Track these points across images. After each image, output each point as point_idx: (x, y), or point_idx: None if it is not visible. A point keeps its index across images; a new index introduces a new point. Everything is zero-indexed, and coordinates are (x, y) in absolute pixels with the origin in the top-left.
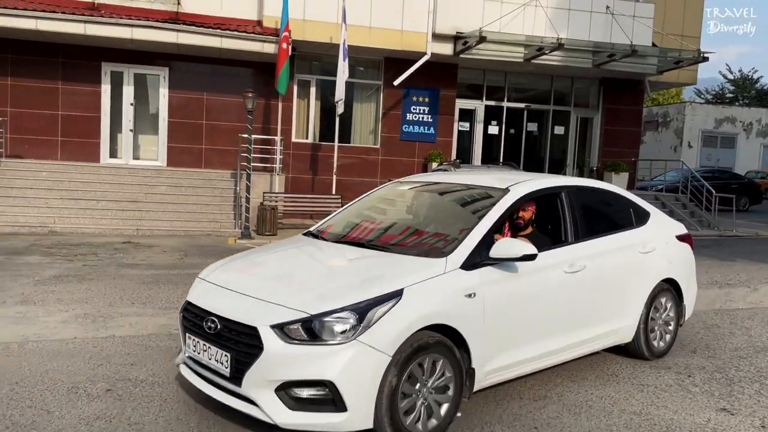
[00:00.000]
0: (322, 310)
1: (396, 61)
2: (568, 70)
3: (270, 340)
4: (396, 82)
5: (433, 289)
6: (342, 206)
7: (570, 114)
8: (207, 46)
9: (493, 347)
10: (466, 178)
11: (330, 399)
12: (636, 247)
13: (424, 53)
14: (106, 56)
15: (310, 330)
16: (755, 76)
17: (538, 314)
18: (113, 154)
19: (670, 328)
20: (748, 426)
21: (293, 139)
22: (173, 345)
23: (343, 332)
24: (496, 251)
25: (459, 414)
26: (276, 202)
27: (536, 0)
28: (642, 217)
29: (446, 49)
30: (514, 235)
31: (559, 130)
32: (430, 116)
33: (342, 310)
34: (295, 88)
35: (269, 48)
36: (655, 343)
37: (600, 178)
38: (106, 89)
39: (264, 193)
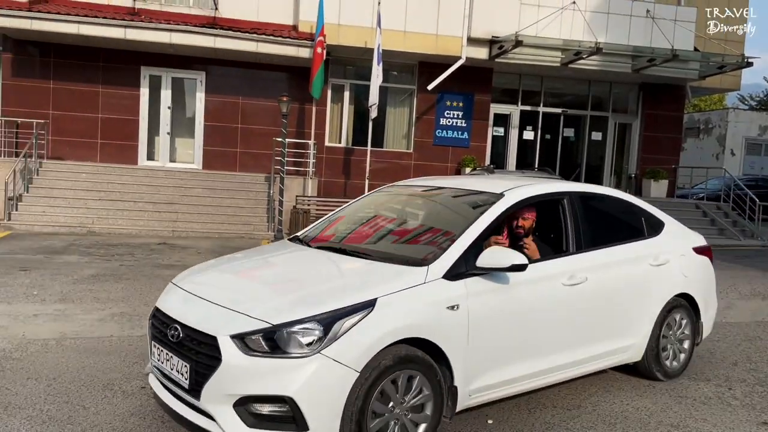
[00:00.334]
0: (285, 320)
1: (430, 66)
2: (607, 75)
3: (229, 351)
4: (430, 87)
5: (410, 300)
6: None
7: (608, 119)
8: (243, 50)
9: (480, 364)
10: (464, 183)
11: (291, 417)
12: (646, 259)
13: (459, 57)
14: (145, 60)
15: (272, 341)
16: None
17: (532, 329)
18: (150, 156)
19: (685, 346)
20: None
21: (326, 143)
22: None
23: (309, 344)
24: (483, 260)
25: None
26: (308, 205)
27: (574, 4)
28: (655, 227)
29: (481, 53)
30: (513, 244)
31: (596, 135)
32: (463, 121)
33: (306, 320)
34: (329, 92)
35: (304, 52)
36: (667, 362)
37: (639, 185)
38: (144, 93)
39: (297, 196)
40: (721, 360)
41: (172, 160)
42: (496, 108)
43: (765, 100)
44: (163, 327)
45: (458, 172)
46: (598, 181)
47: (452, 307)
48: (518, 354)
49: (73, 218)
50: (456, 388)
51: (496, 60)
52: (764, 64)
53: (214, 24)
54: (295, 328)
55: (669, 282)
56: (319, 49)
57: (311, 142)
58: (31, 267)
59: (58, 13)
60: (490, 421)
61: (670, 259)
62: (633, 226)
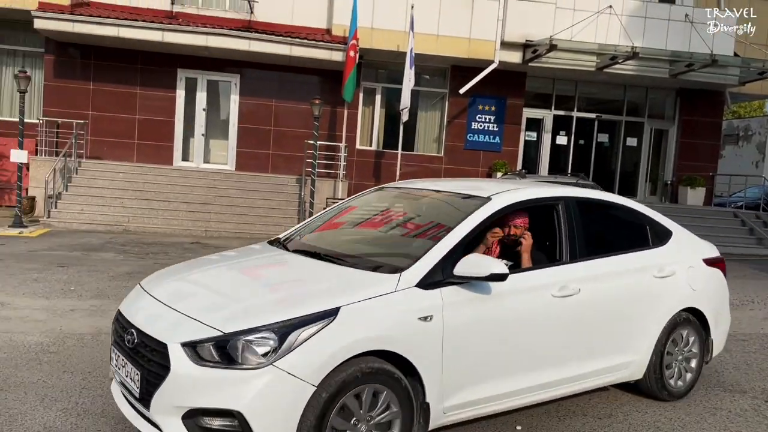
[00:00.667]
0: (237, 328)
1: (462, 69)
2: (643, 80)
3: (178, 359)
4: (462, 91)
5: (377, 310)
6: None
7: (644, 125)
8: (277, 53)
9: (456, 379)
10: (457, 186)
11: None
12: (650, 270)
13: (492, 61)
14: (181, 63)
15: (223, 351)
16: None
17: (516, 344)
18: (185, 157)
19: (692, 365)
20: None
21: (357, 146)
22: None
23: (264, 355)
24: (460, 268)
25: None
26: None
27: (610, 8)
28: (661, 237)
29: (514, 57)
30: (503, 252)
31: (631, 141)
32: (495, 125)
33: (260, 329)
34: (361, 95)
35: (337, 56)
36: (671, 381)
37: (675, 192)
38: (180, 95)
39: (327, 198)
40: (758, 372)
41: (206, 161)
42: (528, 112)
43: None
44: (122, 331)
45: (489, 176)
46: (633, 188)
47: (425, 318)
48: (500, 369)
49: (109, 216)
50: (428, 404)
51: (530, 64)
52: None
53: (249, 27)
54: (249, 337)
55: (675, 295)
56: (351, 53)
57: (342, 144)
58: (68, 263)
59: (99, 16)
60: (518, 428)
61: (677, 271)
62: (636, 235)
